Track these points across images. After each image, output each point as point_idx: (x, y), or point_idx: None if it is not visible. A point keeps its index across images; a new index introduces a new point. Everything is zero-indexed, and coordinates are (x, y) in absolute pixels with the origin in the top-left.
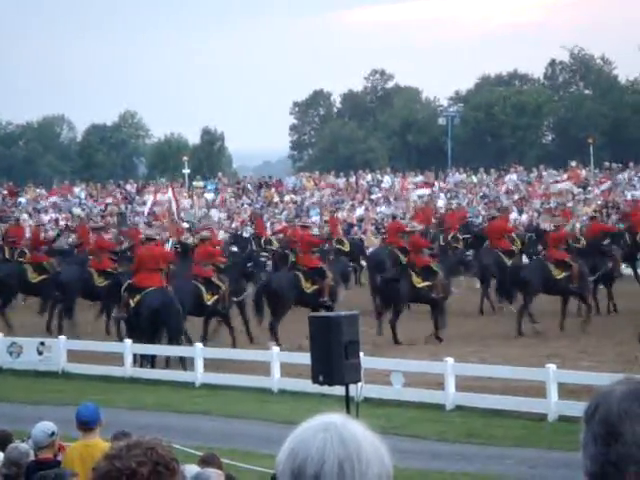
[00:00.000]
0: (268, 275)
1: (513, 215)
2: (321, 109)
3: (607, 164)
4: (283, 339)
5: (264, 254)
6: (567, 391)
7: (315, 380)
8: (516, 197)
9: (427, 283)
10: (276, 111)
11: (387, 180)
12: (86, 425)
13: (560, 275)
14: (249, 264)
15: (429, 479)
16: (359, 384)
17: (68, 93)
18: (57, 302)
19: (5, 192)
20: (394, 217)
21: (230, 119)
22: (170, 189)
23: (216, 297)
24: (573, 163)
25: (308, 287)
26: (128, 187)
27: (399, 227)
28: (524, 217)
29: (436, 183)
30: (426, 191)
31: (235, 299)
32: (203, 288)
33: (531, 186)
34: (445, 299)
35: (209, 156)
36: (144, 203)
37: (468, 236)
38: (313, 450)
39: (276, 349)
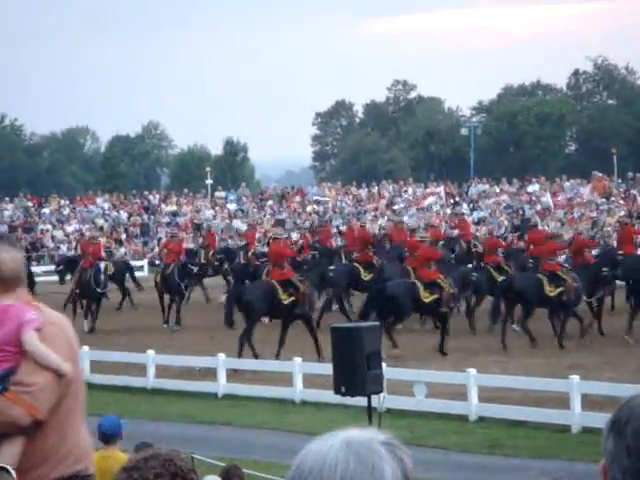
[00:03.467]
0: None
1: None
2: (343, 119)
3: (630, 174)
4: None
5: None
6: (590, 402)
7: (337, 391)
8: (538, 207)
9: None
10: (299, 122)
11: (410, 191)
12: (107, 438)
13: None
14: (604, 269)
15: None
16: (381, 395)
17: (92, 104)
18: None
19: (30, 203)
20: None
21: (253, 130)
22: None
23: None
24: (598, 173)
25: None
26: (151, 198)
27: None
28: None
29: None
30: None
31: (587, 299)
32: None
33: (554, 196)
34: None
35: (232, 167)
36: (167, 214)
37: None
38: (327, 463)
39: (298, 360)
